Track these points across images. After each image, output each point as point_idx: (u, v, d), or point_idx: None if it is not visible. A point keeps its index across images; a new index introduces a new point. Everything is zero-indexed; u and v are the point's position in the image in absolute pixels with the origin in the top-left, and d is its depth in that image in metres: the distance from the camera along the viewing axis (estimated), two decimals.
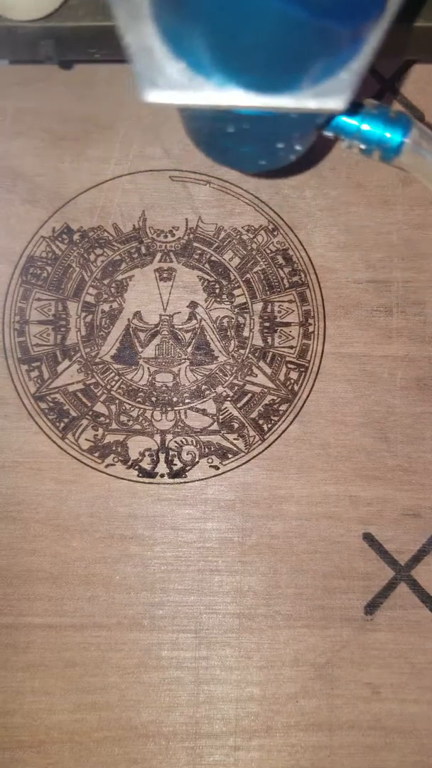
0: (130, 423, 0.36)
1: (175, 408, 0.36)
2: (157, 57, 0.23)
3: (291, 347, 0.36)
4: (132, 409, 0.36)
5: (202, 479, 0.36)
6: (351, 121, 0.30)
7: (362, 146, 0.30)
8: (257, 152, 0.29)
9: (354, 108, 0.30)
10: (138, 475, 0.36)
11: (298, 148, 0.29)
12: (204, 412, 0.36)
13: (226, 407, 0.36)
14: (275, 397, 0.36)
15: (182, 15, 0.22)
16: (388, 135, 0.30)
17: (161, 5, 0.22)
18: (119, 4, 0.23)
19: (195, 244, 0.37)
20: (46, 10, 0.32)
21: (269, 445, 0.36)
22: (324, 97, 0.24)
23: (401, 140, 0.29)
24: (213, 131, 0.29)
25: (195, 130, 0.30)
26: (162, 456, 0.36)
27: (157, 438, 0.36)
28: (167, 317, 0.37)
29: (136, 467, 0.36)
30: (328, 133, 0.30)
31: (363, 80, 0.25)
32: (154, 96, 0.23)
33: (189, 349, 0.37)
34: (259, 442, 0.36)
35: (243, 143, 0.29)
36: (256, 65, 0.23)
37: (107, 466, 0.36)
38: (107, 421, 0.36)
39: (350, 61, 0.24)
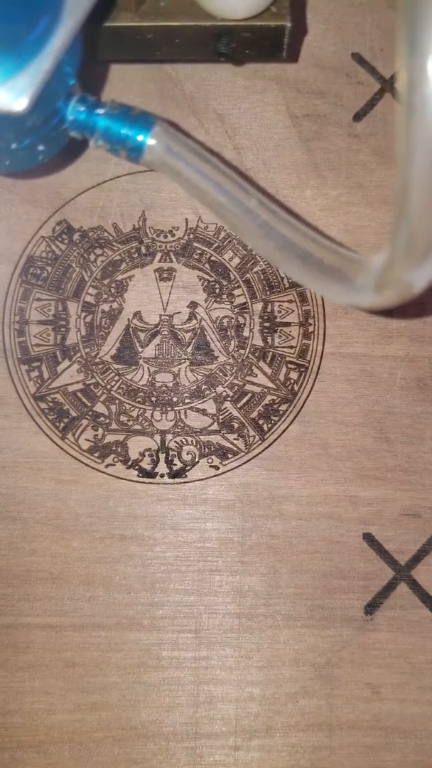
0: (130, 423, 0.36)
1: (175, 408, 0.36)
2: None
3: (291, 347, 0.36)
4: (132, 409, 0.36)
5: (202, 479, 0.36)
6: (92, 121, 0.29)
7: (107, 146, 0.30)
8: None
9: (95, 107, 0.30)
10: (138, 475, 0.36)
11: (41, 148, 0.29)
12: (204, 412, 0.36)
13: (226, 407, 0.36)
14: (275, 397, 0.36)
15: None
16: (130, 134, 0.29)
17: None
18: None
19: (195, 244, 0.37)
20: (258, 10, 0.33)
21: (269, 445, 0.36)
22: (2, 98, 0.24)
23: (144, 140, 0.29)
24: None
25: None
26: (162, 456, 0.36)
27: (157, 438, 0.36)
28: (167, 317, 0.37)
29: (136, 467, 0.36)
30: (73, 133, 0.30)
31: (49, 81, 0.25)
32: None
33: (189, 349, 0.37)
34: (259, 442, 0.36)
35: None
36: None
37: (107, 466, 0.36)
38: (107, 421, 0.36)
39: (31, 62, 0.24)
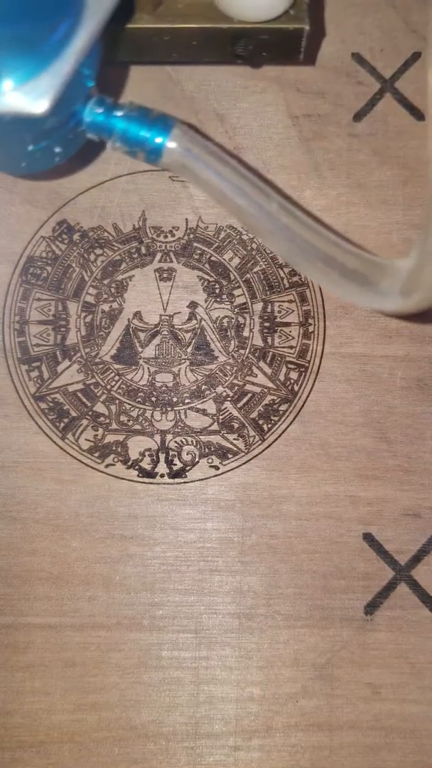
0: (130, 423, 0.36)
1: (175, 408, 0.36)
2: None
3: (291, 347, 0.36)
4: (132, 409, 0.36)
5: (202, 479, 0.36)
6: (110, 123, 0.29)
7: (125, 148, 0.30)
8: (11, 155, 0.30)
9: (113, 109, 0.29)
10: (138, 475, 0.36)
11: (57, 150, 0.29)
12: (204, 412, 0.36)
13: (226, 407, 0.36)
14: (275, 397, 0.36)
15: None
16: (148, 137, 0.29)
17: None
18: None
19: (195, 244, 0.37)
20: (278, 12, 0.33)
21: (269, 445, 0.36)
22: (23, 100, 0.24)
23: (162, 142, 0.29)
24: None
25: None
26: (162, 456, 0.36)
27: (157, 438, 0.36)
28: (167, 317, 0.37)
29: (136, 467, 0.36)
30: (91, 135, 0.30)
31: (69, 83, 0.25)
32: None
33: (189, 349, 0.37)
34: (259, 442, 0.36)
35: None
36: None
37: (107, 466, 0.36)
38: (107, 421, 0.36)
39: (52, 64, 0.24)
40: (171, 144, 0.29)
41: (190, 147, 0.29)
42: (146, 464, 0.36)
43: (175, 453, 0.36)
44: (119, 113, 0.29)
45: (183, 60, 0.36)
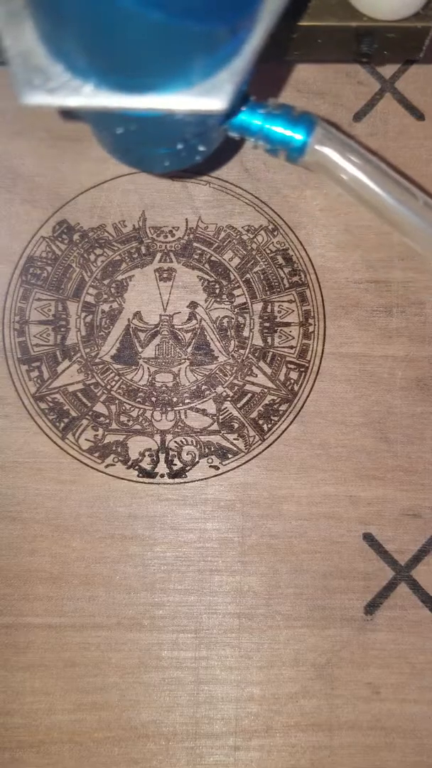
0: (130, 423, 0.36)
1: (175, 408, 0.36)
2: (36, 59, 0.23)
3: (291, 347, 0.36)
4: (132, 409, 0.36)
5: (202, 479, 0.36)
6: (254, 121, 0.29)
7: (267, 146, 0.30)
8: (156, 153, 0.30)
9: (256, 107, 0.29)
10: (138, 475, 0.36)
11: (201, 148, 0.29)
12: (204, 412, 0.36)
13: (226, 407, 0.36)
14: (275, 397, 0.36)
15: (53, 19, 0.22)
16: (291, 135, 0.29)
17: (37, 8, 0.22)
18: None
19: (195, 244, 0.37)
20: (413, 10, 0.32)
21: (269, 445, 0.36)
22: (203, 98, 0.24)
23: (305, 140, 0.29)
24: (107, 133, 0.29)
25: (94, 132, 0.30)
26: (162, 456, 0.36)
27: (157, 438, 0.36)
28: (167, 317, 0.37)
29: (136, 467, 0.36)
30: (233, 134, 0.30)
31: (248, 79, 0.25)
32: (32, 98, 0.23)
33: (189, 349, 0.37)
34: (259, 442, 0.36)
35: (141, 144, 0.29)
36: (127, 67, 0.23)
37: (107, 466, 0.36)
38: (107, 421, 0.36)
39: (230, 61, 0.24)
40: (314, 142, 0.29)
41: (333, 145, 0.29)
42: (146, 464, 0.36)
43: (175, 453, 0.36)
44: (262, 111, 0.29)
45: (303, 59, 0.36)
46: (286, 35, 0.33)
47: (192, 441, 0.36)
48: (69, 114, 0.29)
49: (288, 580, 0.35)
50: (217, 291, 0.37)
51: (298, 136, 0.29)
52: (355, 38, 0.33)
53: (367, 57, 0.34)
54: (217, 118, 0.28)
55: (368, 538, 0.35)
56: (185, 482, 0.36)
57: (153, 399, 0.36)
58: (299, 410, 0.36)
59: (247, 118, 0.29)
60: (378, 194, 0.29)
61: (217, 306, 0.37)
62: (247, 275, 0.37)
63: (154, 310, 0.37)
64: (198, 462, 0.36)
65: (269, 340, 0.36)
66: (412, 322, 0.36)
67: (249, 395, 0.36)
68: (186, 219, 0.37)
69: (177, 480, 0.36)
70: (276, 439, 0.36)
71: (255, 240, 0.37)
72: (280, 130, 0.29)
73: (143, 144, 0.29)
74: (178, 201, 0.37)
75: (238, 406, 0.36)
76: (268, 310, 0.37)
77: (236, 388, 0.36)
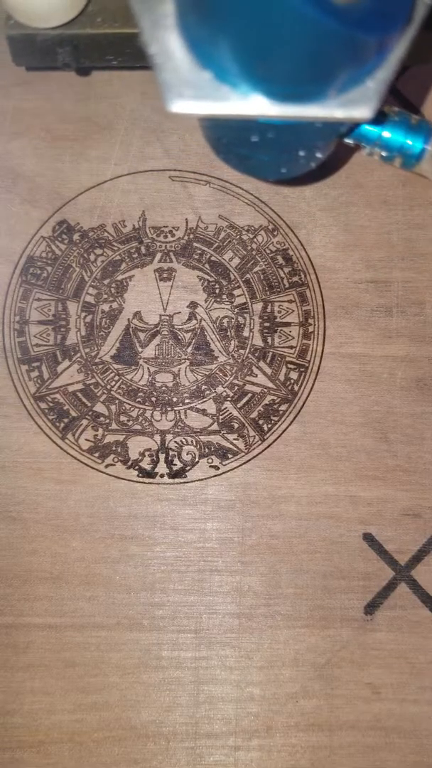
0: (130, 423, 0.36)
1: (175, 408, 0.36)
2: (182, 67, 0.23)
3: (291, 347, 0.36)
4: (132, 409, 0.36)
5: (202, 479, 0.36)
6: (373, 129, 0.30)
7: (383, 153, 0.30)
8: (278, 160, 0.29)
9: (376, 115, 0.30)
10: (138, 475, 0.36)
11: (318, 155, 0.29)
12: (204, 412, 0.36)
13: (226, 407, 0.36)
14: (275, 397, 0.36)
15: (210, 26, 0.22)
16: (409, 142, 0.30)
17: (188, 16, 0.22)
18: (144, 14, 0.23)
19: (195, 244, 0.37)
20: (66, 17, 0.32)
21: (269, 445, 0.36)
22: (350, 106, 0.24)
23: (423, 147, 0.29)
24: (235, 140, 0.29)
25: (215, 138, 0.30)
26: (162, 456, 0.36)
27: (157, 438, 0.36)
28: (167, 317, 0.37)
29: (136, 467, 0.36)
30: (349, 141, 0.30)
31: (389, 89, 0.25)
32: (180, 106, 0.23)
33: (189, 349, 0.37)
34: (259, 442, 0.36)
35: (265, 152, 0.29)
36: (284, 75, 0.23)
37: (107, 466, 0.36)
38: (107, 421, 0.36)
39: (376, 70, 0.24)
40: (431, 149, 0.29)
41: None
42: (146, 464, 0.36)
43: (175, 453, 0.36)
44: (382, 119, 0.29)
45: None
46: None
47: (192, 441, 0.36)
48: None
49: (288, 580, 0.35)
50: (217, 291, 0.37)
51: (416, 144, 0.29)
52: (53, 48, 0.32)
53: (68, 67, 0.34)
54: (350, 126, 0.28)
55: (368, 538, 0.35)
56: (185, 482, 0.36)
57: (153, 399, 0.36)
58: (299, 410, 0.36)
59: (366, 126, 0.30)
60: None
61: (217, 306, 0.37)
62: (247, 275, 0.37)
63: (154, 310, 0.37)
64: (198, 462, 0.36)
65: (269, 340, 0.36)
66: (412, 322, 0.36)
67: (249, 395, 0.36)
68: (186, 219, 0.37)
69: (177, 480, 0.36)
70: (276, 439, 0.36)
71: (255, 240, 0.37)
72: (398, 137, 0.30)
73: (270, 151, 0.29)
74: (178, 201, 0.37)
75: (238, 406, 0.36)
76: (268, 310, 0.37)
77: (236, 388, 0.36)
